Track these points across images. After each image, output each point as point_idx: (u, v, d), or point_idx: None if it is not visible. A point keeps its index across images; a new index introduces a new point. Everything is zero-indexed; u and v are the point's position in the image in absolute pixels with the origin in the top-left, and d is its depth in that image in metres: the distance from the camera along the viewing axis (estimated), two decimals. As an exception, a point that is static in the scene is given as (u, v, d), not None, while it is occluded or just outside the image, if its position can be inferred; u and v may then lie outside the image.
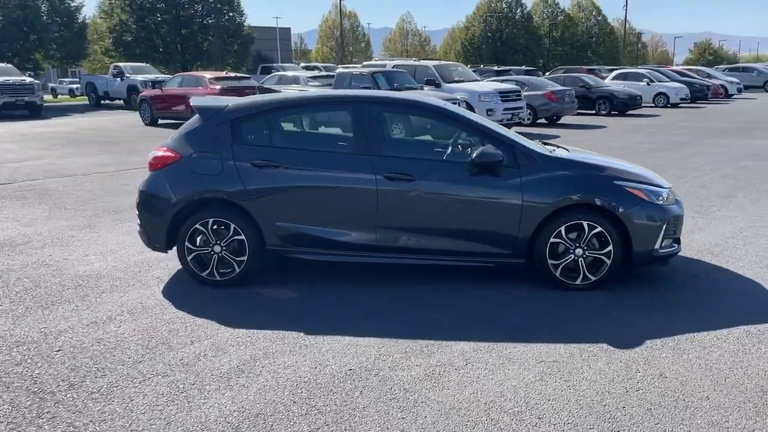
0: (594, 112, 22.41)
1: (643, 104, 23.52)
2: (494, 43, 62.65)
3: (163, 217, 5.12)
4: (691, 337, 4.08)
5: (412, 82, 16.05)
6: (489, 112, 16.13)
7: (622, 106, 22.35)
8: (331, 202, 5.01)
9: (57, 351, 4.01)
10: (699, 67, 38.47)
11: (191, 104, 5.45)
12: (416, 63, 18.71)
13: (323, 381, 3.57)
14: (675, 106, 25.98)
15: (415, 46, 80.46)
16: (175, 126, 19.03)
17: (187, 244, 5.09)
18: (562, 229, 4.84)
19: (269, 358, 3.87)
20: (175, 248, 5.19)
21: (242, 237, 5.02)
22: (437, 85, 16.84)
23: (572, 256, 4.88)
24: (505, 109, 16.50)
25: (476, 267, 5.11)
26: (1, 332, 4.32)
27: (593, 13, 76.89)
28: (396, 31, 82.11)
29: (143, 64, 30.71)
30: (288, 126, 5.70)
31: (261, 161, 5.02)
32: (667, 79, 27.46)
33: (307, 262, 5.13)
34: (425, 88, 16.19)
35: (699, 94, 28.03)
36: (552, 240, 4.86)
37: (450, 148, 5.31)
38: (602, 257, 4.87)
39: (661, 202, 4.94)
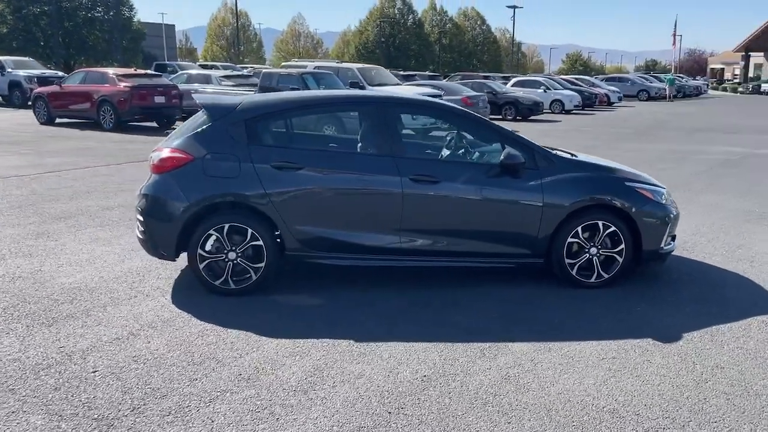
0: (501, 117, 23.34)
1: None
2: (388, 48, 63.62)
3: (173, 223, 4.76)
4: (719, 329, 4.34)
5: (339, 84, 15.95)
6: (415, 117, 16.36)
7: (527, 111, 23.46)
8: (355, 204, 4.89)
9: (93, 372, 3.62)
10: (583, 76, 41.03)
11: (198, 102, 5.12)
12: (338, 65, 18.63)
13: (405, 389, 3.47)
14: (569, 112, 27.61)
15: (307, 48, 79.99)
16: (77, 126, 17.86)
17: (199, 251, 4.77)
18: (579, 228, 5.01)
19: (334, 368, 3.70)
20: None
21: (260, 242, 4.78)
22: (361, 88, 16.84)
23: (587, 254, 5.06)
24: (429, 113, 16.80)
25: (489, 268, 5.16)
26: (12, 354, 3.84)
27: (478, 23, 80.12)
28: (288, 32, 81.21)
29: (26, 59, 28.25)
30: (306, 126, 5.49)
31: (282, 163, 4.80)
32: (561, 87, 29.17)
33: (317, 266, 4.96)
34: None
35: (588, 102, 29.95)
36: (569, 240, 5.02)
37: (473, 150, 5.35)
38: (615, 255, 5.09)
39: (664, 202, 5.24)
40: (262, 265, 4.83)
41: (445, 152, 5.53)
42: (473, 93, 20.33)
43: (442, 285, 5.15)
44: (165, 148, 4.91)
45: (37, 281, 5.17)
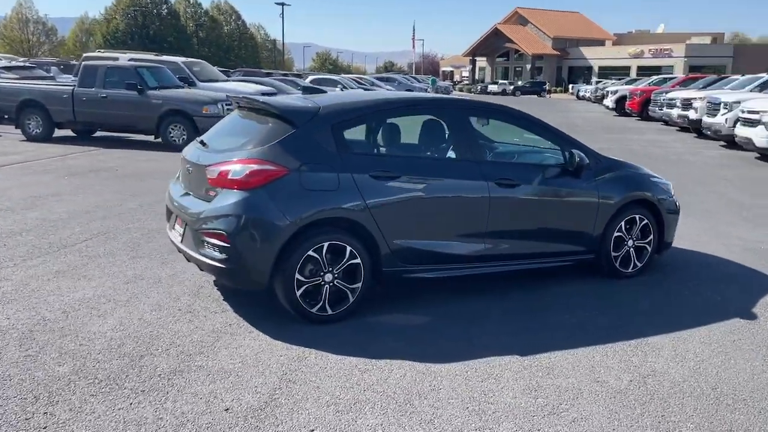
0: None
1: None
2: (142, 39, 59.03)
3: (271, 245, 4.07)
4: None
5: (174, 79, 14.53)
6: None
7: (337, 109, 23.76)
8: (448, 212, 4.65)
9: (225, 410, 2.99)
10: (364, 76, 42.62)
11: (274, 106, 4.40)
12: (158, 57, 16.89)
13: (569, 403, 3.46)
14: (364, 110, 28.60)
15: (38, 35, 70.40)
16: None
17: (297, 275, 4.15)
18: (623, 223, 5.41)
19: (491, 390, 3.54)
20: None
21: (358, 260, 4.32)
22: (191, 84, 15.56)
23: (626, 247, 5.49)
24: (267, 111, 16.19)
25: (543, 268, 5.29)
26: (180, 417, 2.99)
27: (233, 17, 78.43)
28: (13, 17, 70.43)
29: None
30: (388, 131, 4.99)
31: (380, 172, 4.37)
32: (356, 86, 30.07)
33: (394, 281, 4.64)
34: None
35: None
36: (615, 234, 5.39)
37: (535, 152, 5.40)
38: (645, 246, 5.59)
39: (673, 195, 5.88)
40: (359, 285, 4.37)
41: (512, 155, 5.54)
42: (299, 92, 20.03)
43: (486, 289, 5.13)
44: (243, 160, 4.15)
45: (76, 329, 4.05)
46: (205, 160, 4.45)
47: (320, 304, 4.26)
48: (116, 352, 3.83)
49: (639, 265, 5.56)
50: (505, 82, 74.99)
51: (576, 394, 3.45)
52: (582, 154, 5.09)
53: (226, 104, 13.54)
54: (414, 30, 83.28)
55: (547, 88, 66.10)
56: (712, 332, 4.36)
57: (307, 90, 5.09)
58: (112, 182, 9.50)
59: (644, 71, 70.08)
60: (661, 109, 23.40)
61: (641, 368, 3.79)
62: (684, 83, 26.72)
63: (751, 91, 18.60)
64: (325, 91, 5.11)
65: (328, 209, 4.21)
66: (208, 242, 4.18)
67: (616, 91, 30.58)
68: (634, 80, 39.05)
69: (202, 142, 4.75)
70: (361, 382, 3.53)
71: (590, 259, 5.37)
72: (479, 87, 75.17)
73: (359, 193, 4.26)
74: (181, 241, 4.53)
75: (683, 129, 21.63)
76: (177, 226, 4.69)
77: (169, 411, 3.19)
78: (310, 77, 29.07)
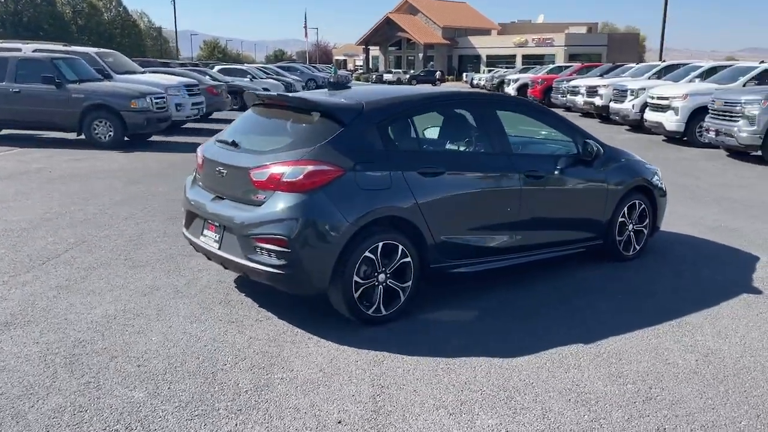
0: (238, 108, 22.48)
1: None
2: (14, 27, 54.37)
3: (332, 249, 3.94)
4: None
5: (91, 70, 13.52)
6: (178, 107, 14.95)
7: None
8: (485, 205, 4.70)
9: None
10: (268, 65, 41.42)
11: (320, 103, 4.23)
12: (67, 48, 15.63)
13: (657, 387, 3.68)
14: (274, 101, 27.97)
15: None
16: None
17: (356, 277, 4.05)
18: (626, 209, 5.69)
19: (580, 380, 3.68)
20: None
21: (408, 259, 4.29)
22: (107, 76, 14.56)
23: (627, 231, 5.79)
24: (192, 104, 15.52)
25: (560, 256, 5.46)
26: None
27: (113, 3, 74.00)
28: None
29: None
30: (428, 126, 4.90)
31: (427, 169, 4.34)
32: (265, 76, 29.35)
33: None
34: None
35: (288, 90, 30.83)
36: (620, 219, 5.66)
37: (554, 143, 5.51)
38: (643, 229, 5.91)
39: (662, 180, 6.24)
40: (409, 284, 4.34)
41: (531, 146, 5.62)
42: (216, 82, 19.25)
43: (507, 281, 5.26)
44: (299, 161, 3.97)
45: (123, 350, 3.72)
46: (244, 161, 4.23)
47: (375, 305, 4.19)
48: (183, 370, 3.59)
49: (638, 248, 5.88)
50: (400, 70, 76.05)
51: (658, 378, 3.61)
52: (596, 144, 5.30)
53: (155, 97, 12.83)
54: (306, 18, 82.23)
55: (438, 76, 67.50)
56: (734, 308, 4.69)
57: (333, 86, 4.93)
58: (52, 185, 8.77)
59: (529, 60, 73.45)
60: (564, 96, 24.58)
61: (697, 347, 4.03)
62: (580, 71, 28.24)
63: (649, 78, 20.01)
64: (350, 87, 4.98)
65: (384, 208, 4.14)
66: (262, 248, 3.98)
67: (517, 79, 31.79)
68: (529, 68, 40.83)
69: (233, 143, 4.50)
70: (454, 382, 3.52)
71: (599, 245, 5.61)
72: (374, 76, 75.71)
73: (410, 190, 4.22)
74: (219, 248, 4.28)
75: (586, 114, 22.87)
76: (208, 232, 4.43)
77: (281, 429, 3.04)
78: (217, 67, 28.03)
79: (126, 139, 12.71)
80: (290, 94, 4.51)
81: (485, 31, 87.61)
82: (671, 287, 5.15)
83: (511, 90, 31.93)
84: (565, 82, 25.36)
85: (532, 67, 44.07)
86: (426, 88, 5.54)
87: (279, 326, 4.23)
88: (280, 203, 3.96)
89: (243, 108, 23.15)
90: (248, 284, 4.97)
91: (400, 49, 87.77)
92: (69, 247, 5.87)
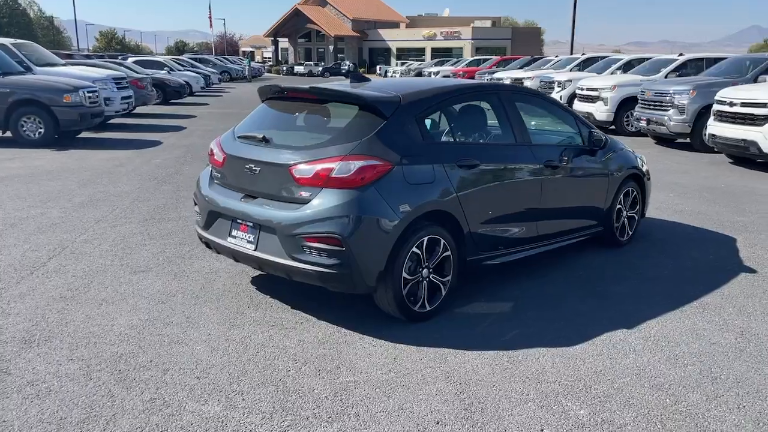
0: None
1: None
2: None
3: (385, 245, 3.86)
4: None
5: (7, 59, 12.46)
6: (107, 102, 14.11)
7: (174, 94, 22.19)
8: (514, 196, 4.74)
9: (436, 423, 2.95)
10: (182, 57, 39.77)
11: (360, 96, 4.08)
12: (-21, 38, 14.33)
13: (717, 367, 3.88)
14: (194, 93, 27.03)
15: None
16: None
17: (404, 274, 3.98)
18: (622, 196, 5.90)
19: (643, 365, 3.82)
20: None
21: (448, 252, 4.26)
22: (27, 69, 13.49)
23: (623, 217, 6.00)
24: (122, 98, 14.70)
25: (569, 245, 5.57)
26: None
27: (-1, -9, 68.85)
28: None
29: None
30: (458, 118, 4.80)
31: (464, 161, 4.31)
32: (182, 68, 28.21)
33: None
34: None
35: (207, 83, 29.81)
36: (617, 206, 5.86)
37: (560, 134, 5.58)
38: (634, 215, 6.16)
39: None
40: (449, 278, 4.31)
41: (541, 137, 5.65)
42: (141, 75, 18.29)
43: (523, 271, 5.37)
44: (348, 156, 3.83)
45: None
46: (282, 158, 4.03)
47: (420, 301, 4.13)
48: (248, 379, 3.40)
49: (630, 233, 6.12)
50: (311, 63, 75.33)
51: (713, 359, 3.75)
52: (601, 134, 5.46)
53: (88, 91, 12.04)
54: (210, 9, 79.69)
55: (348, 67, 67.27)
56: (742, 288, 4.95)
57: (355, 78, 4.77)
58: (-3, 187, 8.06)
59: (438, 53, 74.79)
60: (488, 88, 25.26)
61: (730, 326, 4.22)
62: (499, 64, 29.10)
63: (571, 70, 20.87)
64: (369, 79, 4.84)
65: (430, 203, 4.08)
66: (311, 248, 3.82)
67: (437, 72, 32.31)
68: (444, 60, 41.55)
69: (264, 139, 4.27)
70: (528, 375, 3.52)
71: (600, 232, 5.78)
72: (285, 68, 74.65)
73: (450, 183, 4.18)
74: (255, 249, 4.08)
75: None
76: (239, 233, 4.21)
77: (383, 434, 2.94)
78: (131, 59, 26.65)
79: (56, 136, 11.85)
80: (325, 86, 4.33)
81: (394, 24, 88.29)
82: (675, 270, 5.38)
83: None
84: (487, 75, 26.06)
85: (447, 60, 44.97)
86: (451, 80, 5.50)
87: (323, 327, 4.08)
88: (330, 200, 3.81)
89: (165, 101, 22.35)
90: (267, 285, 4.79)
91: (310, 41, 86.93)
92: (52, 255, 5.41)
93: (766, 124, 9.95)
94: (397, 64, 59.74)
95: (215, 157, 4.56)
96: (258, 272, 4.95)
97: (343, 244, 3.75)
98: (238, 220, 4.23)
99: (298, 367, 3.55)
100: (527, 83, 20.90)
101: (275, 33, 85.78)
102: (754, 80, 12.55)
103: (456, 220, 4.25)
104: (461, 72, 29.25)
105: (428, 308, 4.19)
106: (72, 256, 5.40)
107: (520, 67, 26.03)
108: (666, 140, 13.96)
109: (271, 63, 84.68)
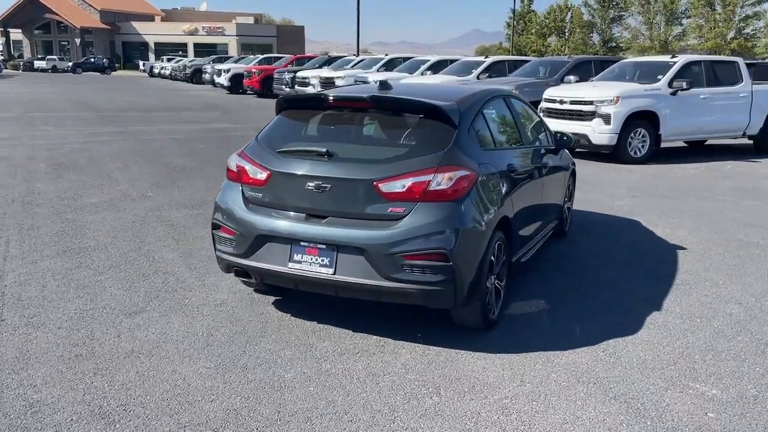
0: None
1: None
2: None
3: (479, 255, 3.88)
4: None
5: None
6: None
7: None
8: (532, 196, 4.96)
9: None
10: None
11: (431, 104, 3.91)
12: None
13: None
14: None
15: None
16: None
17: (486, 283, 4.01)
18: (567, 190, 6.47)
19: (678, 351, 4.37)
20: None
21: (505, 257, 4.37)
22: None
23: (566, 210, 6.58)
24: None
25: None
26: None
27: None
28: None
29: None
30: (487, 124, 4.68)
31: (509, 165, 4.43)
32: None
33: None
34: None
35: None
36: (564, 200, 6.41)
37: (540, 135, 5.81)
38: (570, 206, 6.79)
39: (568, 163, 7.15)
40: (505, 281, 4.42)
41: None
42: None
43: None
44: (443, 167, 3.72)
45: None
46: (363, 173, 3.76)
47: (492, 307, 4.18)
48: (412, 414, 3.16)
49: (568, 224, 6.74)
50: (55, 57, 67.44)
51: (760, 349, 4.24)
52: (569, 135, 5.93)
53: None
54: None
55: (103, 62, 61.71)
56: (698, 267, 5.70)
57: (382, 85, 4.50)
58: None
59: (201, 48, 72.29)
60: (290, 87, 25.20)
61: (722, 306, 4.82)
62: (295, 62, 29.11)
63: (378, 71, 21.75)
64: (392, 86, 4.62)
65: (503, 209, 4.15)
66: (414, 265, 3.64)
67: (228, 70, 31.22)
68: (225, 57, 40.30)
69: (327, 153, 3.91)
70: (639, 365, 3.77)
71: (557, 224, 6.27)
72: (22, 63, 65.95)
73: (506, 187, 4.28)
74: (334, 273, 3.75)
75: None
76: (307, 257, 3.84)
77: (589, 443, 2.98)
78: None
79: None
80: (386, 95, 4.09)
81: (148, 17, 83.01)
82: (632, 257, 6.01)
83: (223, 80, 31.25)
84: (287, 73, 25.93)
85: (229, 57, 43.66)
86: (472, 86, 5.49)
87: (408, 347, 3.92)
88: (430, 214, 3.67)
89: None
90: (290, 308, 4.42)
91: (50, 33, 77.88)
92: (41, 278, 4.33)
93: (593, 119, 11.50)
94: (163, 59, 56.03)
95: (251, 175, 4.07)
96: (270, 296, 4.56)
97: (449, 258, 3.65)
98: (303, 243, 3.84)
99: (436, 392, 3.39)
100: (339, 82, 21.30)
101: (5, 23, 75.19)
102: (561, 81, 14.31)
103: (510, 223, 4.35)
104: (257, 70, 28.58)
105: (496, 314, 4.25)
106: (63, 280, 4.39)
107: (319, 67, 26.37)
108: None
109: (2, 57, 73.91)
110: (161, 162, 10.53)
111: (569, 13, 58.44)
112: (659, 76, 11.91)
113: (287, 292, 4.61)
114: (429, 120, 4.03)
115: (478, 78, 17.02)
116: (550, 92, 12.61)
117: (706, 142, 14.37)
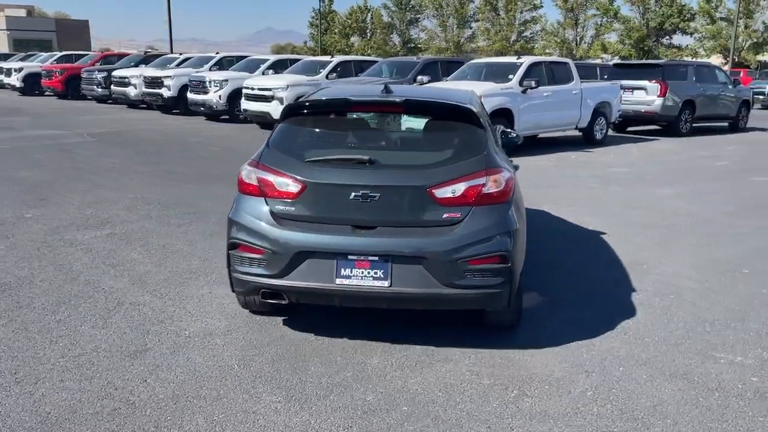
0: None
1: None
2: None
3: (524, 255, 4.03)
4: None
5: None
6: None
7: None
8: None
9: None
10: None
11: (463, 107, 3.89)
12: None
13: None
14: None
15: None
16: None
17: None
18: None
19: (702, 338, 4.91)
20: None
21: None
22: None
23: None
24: None
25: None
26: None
27: None
28: None
29: None
30: None
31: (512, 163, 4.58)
32: None
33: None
34: None
35: None
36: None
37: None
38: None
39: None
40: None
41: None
42: None
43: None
44: (493, 170, 3.75)
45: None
46: (415, 179, 3.65)
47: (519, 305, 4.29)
48: (459, 406, 3.16)
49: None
50: None
51: (752, 305, 4.82)
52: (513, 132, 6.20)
53: None
54: None
55: None
56: (649, 251, 6.27)
57: (386, 88, 4.30)
58: None
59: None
60: (102, 87, 23.12)
61: (704, 289, 5.48)
62: (103, 60, 26.60)
63: (210, 69, 20.74)
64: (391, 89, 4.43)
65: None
66: (475, 270, 3.62)
67: (20, 69, 27.62)
68: (29, 56, 35.44)
69: (370, 161, 3.70)
70: (651, 356, 4.09)
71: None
72: None
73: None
74: (391, 285, 3.60)
75: (131, 106, 22.14)
76: (355, 271, 3.63)
77: None
78: None
79: None
80: (420, 99, 3.95)
81: None
82: (570, 244, 6.51)
83: (15, 81, 27.60)
84: (97, 72, 23.70)
85: (33, 54, 38.52)
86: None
87: (459, 354, 3.86)
88: (488, 217, 3.67)
89: None
90: (311, 324, 4.19)
91: None
92: (53, 297, 3.49)
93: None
94: None
95: (279, 188, 3.74)
96: (274, 316, 4.26)
97: (508, 260, 3.68)
98: (351, 257, 3.62)
99: (523, 394, 3.41)
100: (168, 82, 19.96)
101: None
102: (413, 81, 14.91)
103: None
104: (58, 69, 25.54)
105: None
106: (74, 299, 3.59)
107: (136, 65, 24.42)
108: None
109: None
110: (5, 176, 9.08)
111: (369, 14, 60.53)
112: (510, 76, 12.91)
113: (287, 309, 4.31)
114: (461, 123, 4.01)
115: (327, 77, 17.03)
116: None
117: (538, 136, 15.85)
